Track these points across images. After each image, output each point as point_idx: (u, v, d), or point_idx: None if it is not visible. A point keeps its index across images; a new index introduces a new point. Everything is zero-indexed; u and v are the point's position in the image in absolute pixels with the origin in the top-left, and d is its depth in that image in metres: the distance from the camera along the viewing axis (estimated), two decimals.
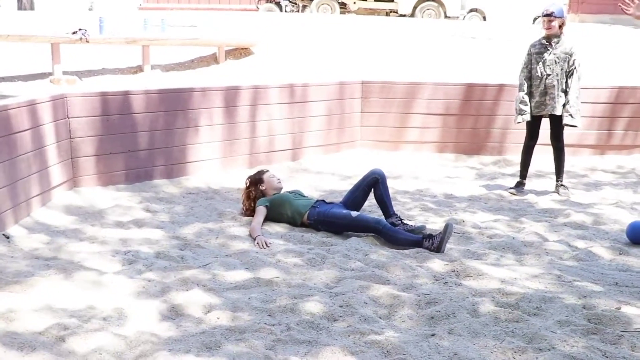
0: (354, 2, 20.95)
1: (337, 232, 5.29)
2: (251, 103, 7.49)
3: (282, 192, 5.76)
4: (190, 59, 12.76)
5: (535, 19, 20.03)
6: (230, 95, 7.32)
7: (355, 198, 5.61)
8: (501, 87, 8.54)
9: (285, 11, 21.38)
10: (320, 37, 14.40)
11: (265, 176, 5.74)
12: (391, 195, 5.73)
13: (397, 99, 8.64)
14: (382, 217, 5.39)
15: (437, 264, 4.60)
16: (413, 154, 8.55)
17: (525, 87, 6.63)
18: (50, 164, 5.68)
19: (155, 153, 6.72)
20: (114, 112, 6.37)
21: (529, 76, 6.63)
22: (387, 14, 20.85)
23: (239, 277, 4.23)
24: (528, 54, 6.66)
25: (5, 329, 3.32)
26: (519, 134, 7.21)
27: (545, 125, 6.75)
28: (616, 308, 3.78)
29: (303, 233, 5.26)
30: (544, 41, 6.57)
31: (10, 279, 3.99)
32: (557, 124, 6.63)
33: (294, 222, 5.47)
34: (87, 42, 11.01)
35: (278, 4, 21.71)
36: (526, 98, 6.61)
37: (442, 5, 20.76)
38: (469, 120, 8.60)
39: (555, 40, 6.52)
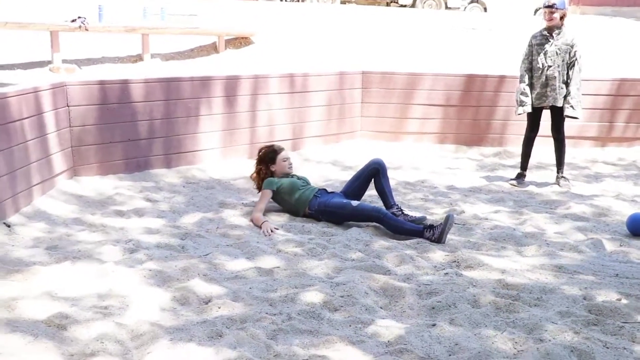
0: None
1: (338, 222, 5.29)
2: (251, 93, 7.48)
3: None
4: (190, 48, 12.73)
5: (536, 10, 19.99)
6: (230, 85, 7.30)
7: (355, 188, 5.61)
8: (502, 78, 8.53)
9: (286, 1, 21.31)
10: (321, 27, 14.36)
11: (278, 157, 5.63)
12: (392, 185, 5.73)
13: (398, 90, 8.62)
14: (383, 207, 5.40)
15: (437, 254, 4.61)
16: (413, 145, 8.55)
17: (526, 78, 6.62)
18: (50, 152, 5.67)
19: (155, 142, 6.71)
20: (114, 101, 6.36)
21: (530, 67, 6.62)
22: (388, 4, 20.81)
23: (239, 267, 4.24)
24: (529, 46, 6.64)
25: (7, 317, 3.32)
26: (520, 125, 7.21)
27: (546, 116, 6.74)
28: (617, 299, 3.79)
29: (304, 223, 5.27)
30: (545, 32, 6.56)
31: (12, 268, 3.99)
32: (558, 116, 6.63)
33: (296, 212, 5.48)
34: (87, 30, 10.99)
35: None
36: (527, 89, 6.60)
37: None
38: (469, 111, 8.59)
39: (557, 31, 6.51)
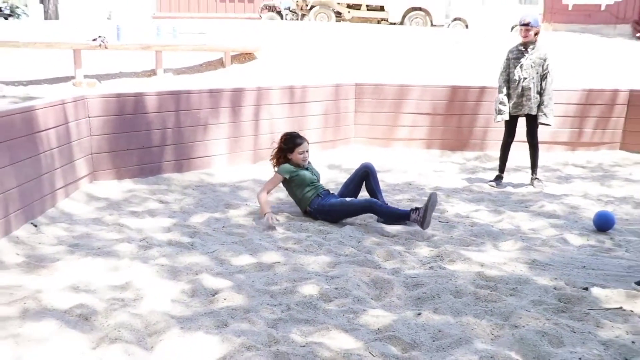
0: (348, 12, 20.90)
1: (334, 221, 5.29)
2: (255, 103, 7.49)
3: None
4: (199, 63, 12.74)
5: (513, 28, 20.00)
6: (236, 96, 7.31)
7: (349, 191, 5.61)
8: (482, 89, 8.55)
9: (286, 19, 21.33)
10: (318, 43, 14.37)
11: (297, 149, 5.40)
12: (382, 187, 5.74)
13: (388, 100, 8.64)
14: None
15: (423, 249, 4.62)
16: (403, 150, 8.56)
17: (504, 89, 6.63)
18: (73, 159, 5.68)
19: (167, 149, 6.72)
20: (130, 112, 6.37)
21: (507, 79, 6.64)
22: (379, 22, 20.80)
23: (243, 262, 4.25)
24: (506, 59, 6.66)
25: (35, 307, 3.34)
26: (499, 131, 7.23)
27: (521, 124, 6.76)
28: (584, 289, 3.81)
29: (302, 222, 5.28)
30: (521, 47, 6.58)
31: (38, 263, 4.01)
32: (532, 123, 6.65)
33: (300, 205, 5.47)
34: (106, 48, 11.01)
35: (279, 13, 21.65)
36: (505, 99, 6.62)
37: (428, 14, 20.71)
38: (453, 119, 8.61)
39: (531, 46, 6.53)
